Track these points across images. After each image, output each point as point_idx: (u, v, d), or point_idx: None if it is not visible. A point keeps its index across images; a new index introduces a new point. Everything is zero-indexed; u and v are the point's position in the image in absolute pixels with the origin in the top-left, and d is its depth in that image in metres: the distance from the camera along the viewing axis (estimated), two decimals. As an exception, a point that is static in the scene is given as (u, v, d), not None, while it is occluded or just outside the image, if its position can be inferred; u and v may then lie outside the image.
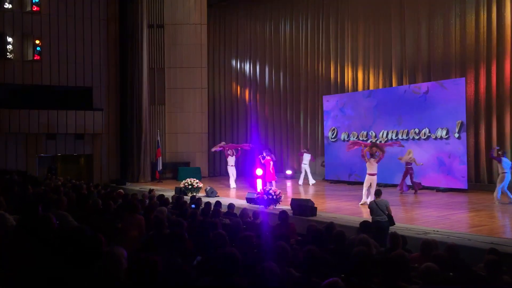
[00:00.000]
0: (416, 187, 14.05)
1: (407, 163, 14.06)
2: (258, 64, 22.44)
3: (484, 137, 14.60)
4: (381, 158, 12.04)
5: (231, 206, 9.42)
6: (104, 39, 21.76)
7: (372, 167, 11.85)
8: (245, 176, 19.27)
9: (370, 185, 11.75)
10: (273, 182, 15.02)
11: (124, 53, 21.80)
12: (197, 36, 22.38)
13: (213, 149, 18.22)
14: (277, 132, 21.70)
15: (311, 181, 17.35)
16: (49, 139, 20.80)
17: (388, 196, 11.00)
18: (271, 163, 15.32)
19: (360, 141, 14.39)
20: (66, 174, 19.64)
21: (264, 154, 15.48)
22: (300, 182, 17.57)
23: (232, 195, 14.72)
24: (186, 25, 22.32)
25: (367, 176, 11.92)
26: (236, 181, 16.96)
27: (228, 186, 16.77)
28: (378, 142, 15.69)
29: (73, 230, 3.70)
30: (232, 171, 16.90)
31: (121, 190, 12.54)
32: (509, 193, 11.45)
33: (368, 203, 11.40)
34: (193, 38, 22.35)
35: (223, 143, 18.04)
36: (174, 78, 22.21)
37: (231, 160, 16.89)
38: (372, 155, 11.94)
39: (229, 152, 16.89)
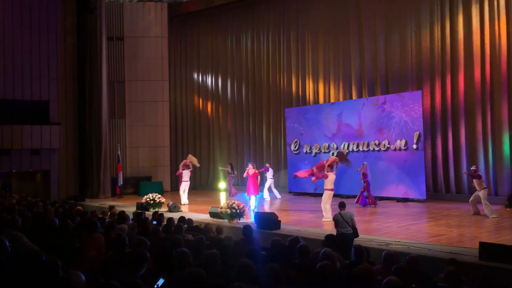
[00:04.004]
0: (371, 201, 14.02)
1: (363, 176, 14.21)
2: (220, 77, 22.44)
3: (440, 148, 15.06)
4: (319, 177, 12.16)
5: (189, 222, 9.35)
6: (61, 51, 21.19)
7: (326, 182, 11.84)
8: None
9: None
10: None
11: (82, 66, 21.30)
12: (158, 49, 22.20)
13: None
14: (240, 145, 21.67)
15: (277, 195, 17.16)
16: (3, 154, 19.95)
17: (348, 208, 11.08)
18: (258, 177, 14.44)
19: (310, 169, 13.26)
20: (21, 191, 18.85)
21: (250, 166, 14.33)
22: (266, 196, 17.10)
23: (192, 210, 14.48)
24: (146, 38, 22.11)
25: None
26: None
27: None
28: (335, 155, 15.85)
29: (27, 255, 3.53)
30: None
31: (80, 207, 12.17)
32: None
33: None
34: (154, 51, 22.16)
35: (184, 161, 16.76)
36: (134, 91, 21.89)
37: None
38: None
39: (189, 168, 16.43)
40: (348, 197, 15.33)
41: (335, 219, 8.17)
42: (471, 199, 11.72)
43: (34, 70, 20.54)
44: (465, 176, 14.27)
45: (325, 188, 11.74)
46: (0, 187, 19.48)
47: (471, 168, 11.93)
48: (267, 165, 17.59)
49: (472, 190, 14.24)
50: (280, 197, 17.17)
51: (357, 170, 14.56)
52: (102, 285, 3.05)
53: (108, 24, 21.38)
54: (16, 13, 20.24)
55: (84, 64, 21.07)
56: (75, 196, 19.30)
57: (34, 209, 10.86)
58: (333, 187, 11.75)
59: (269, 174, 17.33)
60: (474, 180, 11.56)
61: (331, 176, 11.71)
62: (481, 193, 11.24)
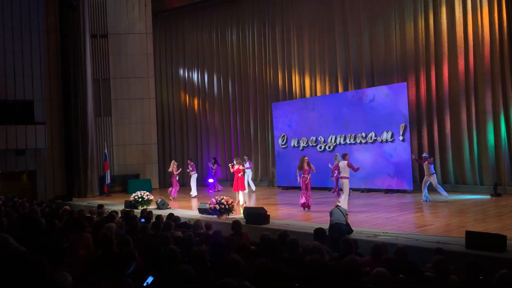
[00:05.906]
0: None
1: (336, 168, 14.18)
2: (206, 72, 22.34)
3: (426, 138, 15.19)
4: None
5: (176, 219, 9.35)
6: (44, 50, 20.97)
7: None
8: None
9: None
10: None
11: (66, 64, 21.07)
12: (142, 46, 22.02)
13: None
14: (227, 140, 21.64)
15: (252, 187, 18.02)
16: (-12, 155, 19.76)
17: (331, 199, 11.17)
18: (241, 174, 14.17)
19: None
20: (7, 192, 18.66)
21: (235, 162, 14.23)
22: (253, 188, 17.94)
23: (182, 206, 14.48)
24: (131, 35, 21.92)
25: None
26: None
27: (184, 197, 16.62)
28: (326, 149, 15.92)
29: (13, 257, 3.49)
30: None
31: (67, 207, 12.10)
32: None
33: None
34: (139, 47, 21.98)
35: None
36: (120, 88, 21.72)
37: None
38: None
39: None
40: (320, 189, 15.56)
41: (331, 211, 8.31)
42: (423, 186, 12.79)
43: (17, 69, 20.30)
44: (450, 166, 14.53)
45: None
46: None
47: (423, 155, 13.24)
48: (246, 158, 17.83)
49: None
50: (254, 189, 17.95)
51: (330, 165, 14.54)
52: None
53: (91, 21, 21.16)
54: (-3, 12, 19.96)
55: (68, 62, 20.83)
56: (62, 196, 19.15)
57: (21, 209, 10.76)
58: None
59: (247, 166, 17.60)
60: (424, 165, 12.77)
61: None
62: (432, 178, 12.61)
